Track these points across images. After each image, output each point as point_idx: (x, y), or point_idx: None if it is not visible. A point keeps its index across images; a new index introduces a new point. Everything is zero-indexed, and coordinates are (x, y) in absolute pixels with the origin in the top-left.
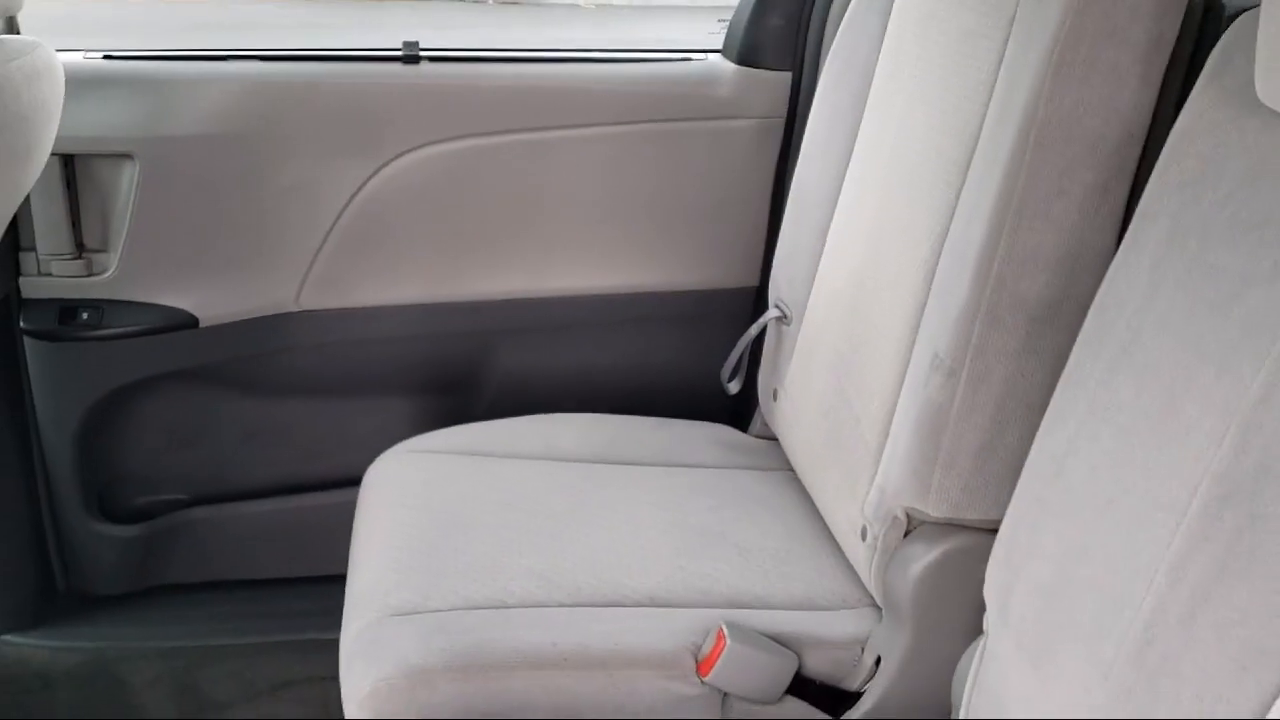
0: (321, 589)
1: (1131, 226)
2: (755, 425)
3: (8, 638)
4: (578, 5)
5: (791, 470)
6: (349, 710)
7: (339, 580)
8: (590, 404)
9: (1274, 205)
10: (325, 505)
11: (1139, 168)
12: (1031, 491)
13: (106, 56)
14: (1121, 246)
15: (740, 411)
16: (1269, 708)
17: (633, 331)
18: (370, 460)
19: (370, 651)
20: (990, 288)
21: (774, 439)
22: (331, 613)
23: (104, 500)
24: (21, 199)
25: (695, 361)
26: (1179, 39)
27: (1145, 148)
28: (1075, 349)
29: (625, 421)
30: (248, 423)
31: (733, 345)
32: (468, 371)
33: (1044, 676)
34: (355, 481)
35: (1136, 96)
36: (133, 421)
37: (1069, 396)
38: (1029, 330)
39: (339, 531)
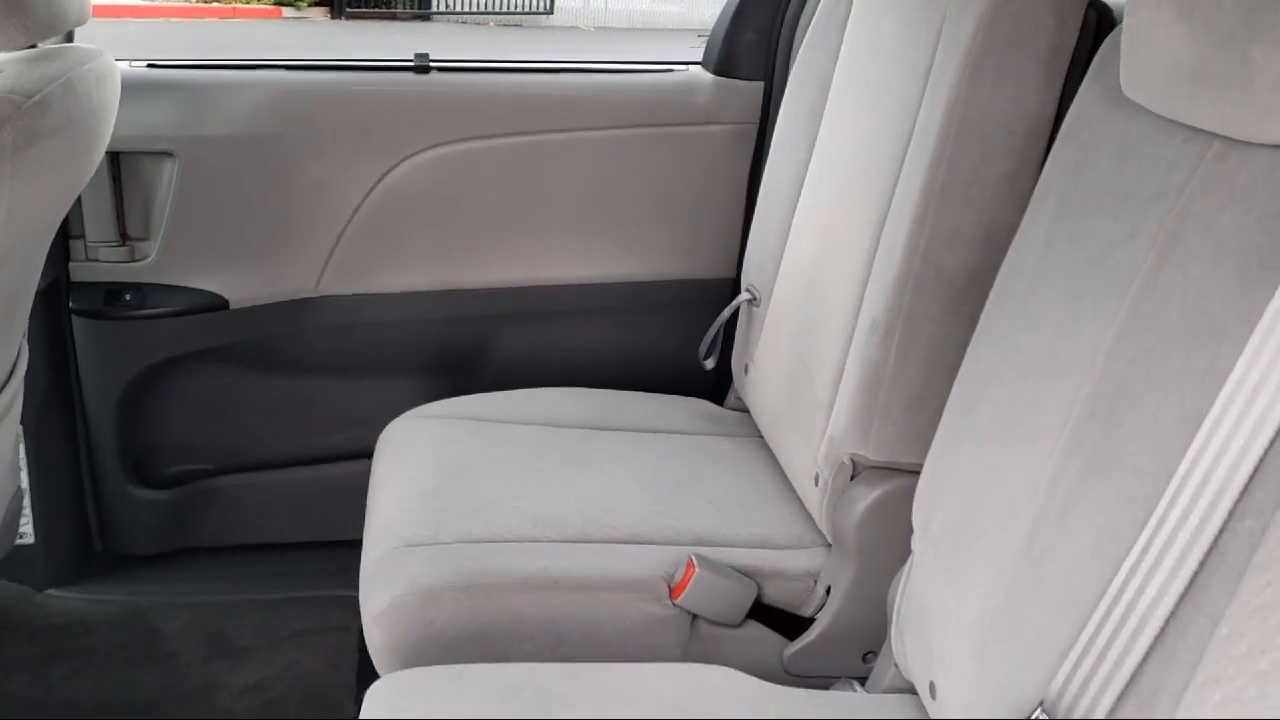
0: (336, 552)
1: (1030, 204)
2: (730, 399)
3: (51, 591)
4: (577, 27)
5: (759, 437)
6: (367, 623)
7: (353, 544)
8: (582, 382)
9: (1134, 181)
10: (341, 475)
11: (1044, 157)
12: (949, 428)
13: (150, 65)
14: (1023, 221)
15: (717, 389)
16: (1114, 578)
17: (621, 317)
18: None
19: (388, 574)
20: (918, 261)
21: (746, 411)
22: (346, 572)
23: (139, 467)
24: (82, 188)
25: (677, 344)
26: (1076, 47)
27: (1049, 140)
28: (986, 307)
29: (613, 395)
30: (271, 398)
31: (708, 327)
32: (471, 352)
33: (956, 579)
34: (369, 454)
35: (1040, 97)
36: (167, 395)
37: (980, 347)
38: (952, 298)
39: (353, 499)
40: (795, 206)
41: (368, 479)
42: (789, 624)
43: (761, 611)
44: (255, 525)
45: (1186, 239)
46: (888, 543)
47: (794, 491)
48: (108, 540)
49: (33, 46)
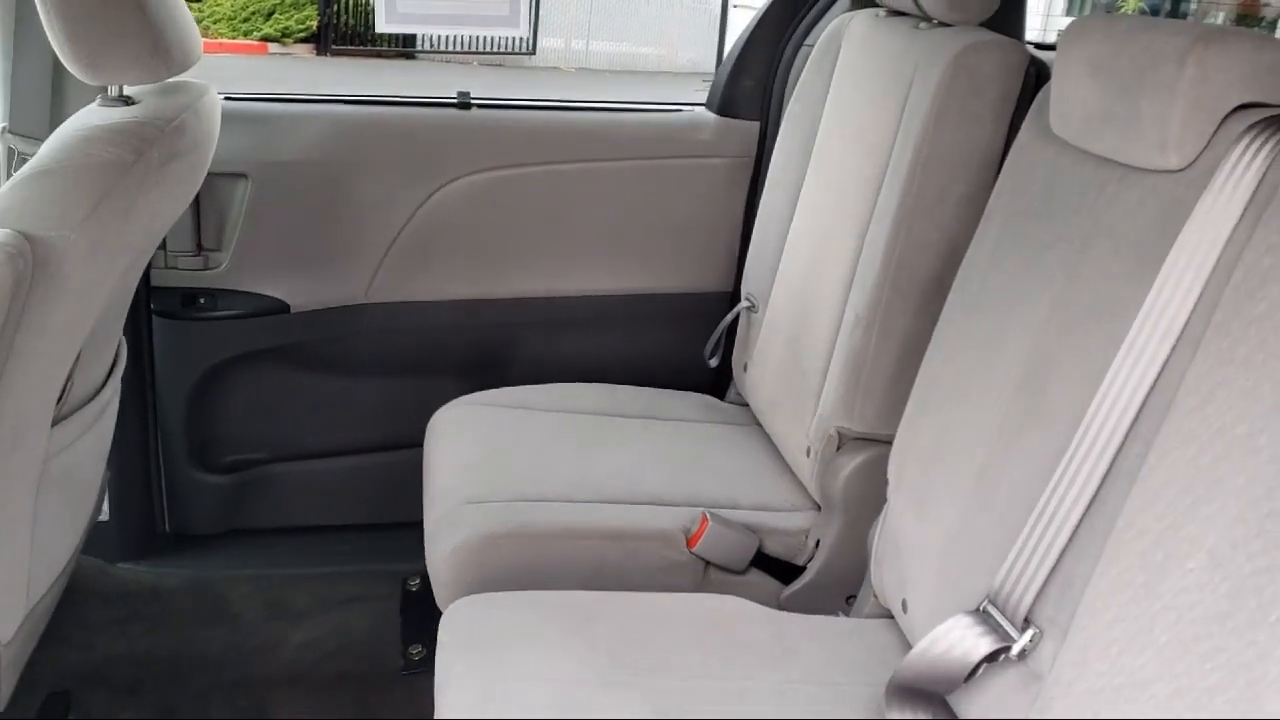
0: (377, 532)
1: (982, 219)
2: (730, 395)
3: (123, 565)
4: (558, 69)
5: (756, 426)
6: (435, 564)
7: (392, 526)
8: (597, 381)
9: (1060, 199)
10: (380, 464)
11: (994, 181)
12: (918, 398)
13: (227, 98)
14: (976, 233)
15: (717, 387)
16: (1040, 496)
17: (632, 324)
18: (419, 426)
19: (452, 524)
20: (894, 267)
21: (744, 405)
22: (387, 551)
23: (202, 454)
24: (190, 201)
25: (680, 348)
26: (1020, 95)
27: (998, 168)
28: (947, 301)
29: (627, 389)
30: (321, 393)
31: (711, 335)
32: (500, 354)
33: (922, 515)
34: (406, 445)
35: (992, 134)
36: (231, 389)
37: (942, 332)
38: (921, 296)
39: (391, 486)
40: (789, 227)
41: (405, 468)
42: (785, 571)
43: (762, 560)
44: (305, 509)
45: (1097, 242)
46: (867, 501)
47: (788, 467)
48: (172, 520)
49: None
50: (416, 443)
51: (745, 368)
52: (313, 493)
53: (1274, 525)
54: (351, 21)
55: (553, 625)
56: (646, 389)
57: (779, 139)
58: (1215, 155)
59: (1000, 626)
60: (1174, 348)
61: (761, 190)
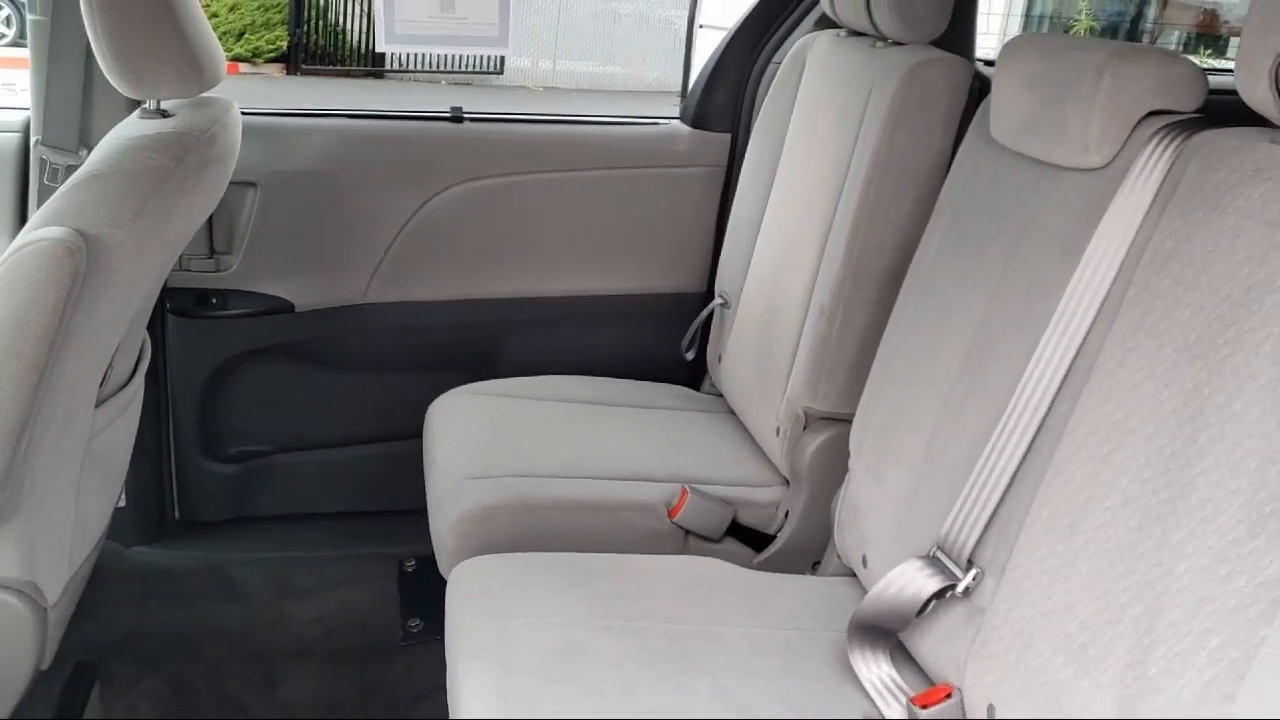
0: (374, 519)
1: (931, 218)
2: (704, 387)
3: (137, 548)
4: (526, 87)
5: (730, 413)
6: (441, 533)
7: (390, 513)
8: (583, 375)
9: (999, 197)
10: (379, 454)
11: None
12: (875, 378)
13: (243, 112)
14: (926, 229)
15: (693, 379)
16: (981, 454)
17: (613, 322)
18: (414, 418)
19: (456, 497)
20: (853, 263)
21: (718, 395)
22: (385, 535)
23: (211, 445)
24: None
25: (658, 343)
26: (966, 106)
27: (946, 172)
28: (900, 293)
29: (610, 381)
30: (322, 388)
31: (687, 331)
32: (491, 351)
33: (880, 482)
34: (401, 437)
35: (941, 142)
36: (239, 383)
37: (896, 320)
38: (878, 291)
39: (387, 476)
40: (759, 230)
41: (400, 458)
42: (757, 540)
43: (737, 530)
44: (307, 497)
45: (1030, 234)
46: (831, 474)
47: (759, 449)
48: (182, 508)
49: None
50: (412, 434)
51: (720, 359)
52: (315, 481)
53: (1175, 465)
54: (321, 42)
55: (554, 580)
56: (628, 381)
57: (749, 149)
58: (1130, 155)
59: (947, 568)
60: (1094, 320)
61: (733, 197)
